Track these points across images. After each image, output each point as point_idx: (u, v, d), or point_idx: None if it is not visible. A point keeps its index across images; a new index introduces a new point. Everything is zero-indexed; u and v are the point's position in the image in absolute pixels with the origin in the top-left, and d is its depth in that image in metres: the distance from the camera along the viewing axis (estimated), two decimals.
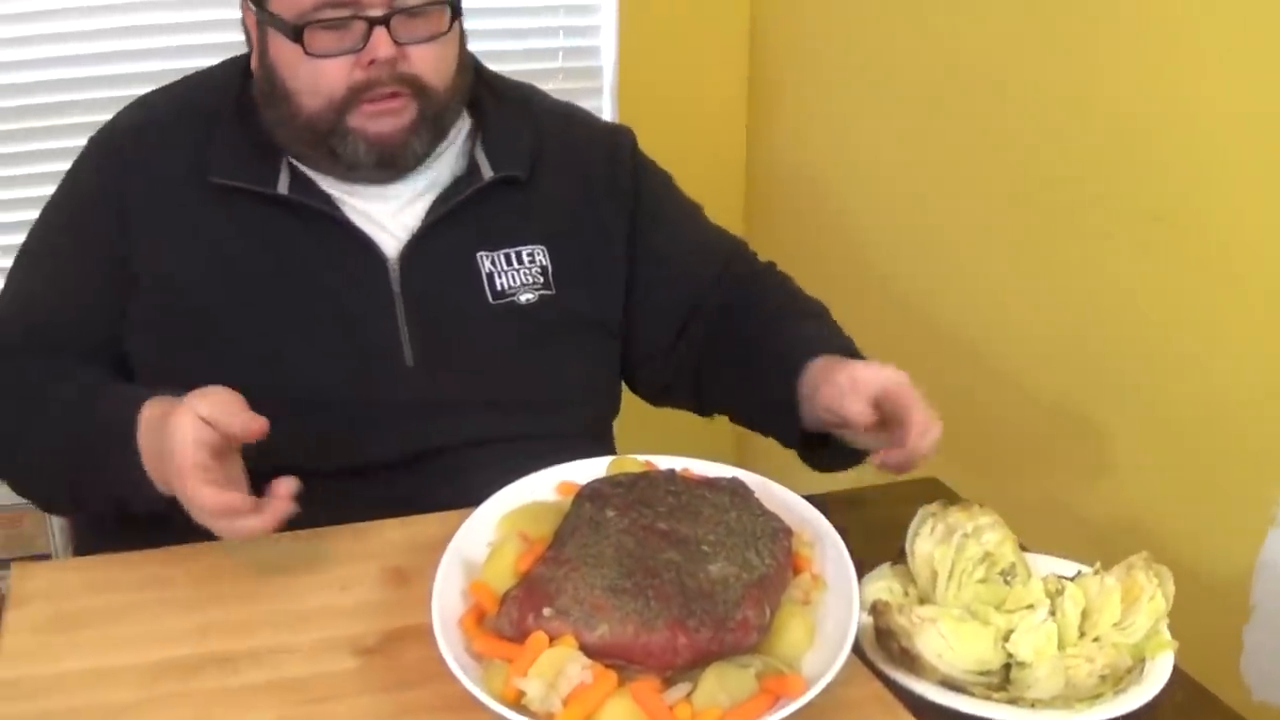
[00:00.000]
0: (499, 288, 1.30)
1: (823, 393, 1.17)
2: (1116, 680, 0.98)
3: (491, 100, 1.36)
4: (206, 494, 1.01)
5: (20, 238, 1.32)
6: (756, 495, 1.05)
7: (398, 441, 1.25)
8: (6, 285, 1.31)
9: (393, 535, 1.18)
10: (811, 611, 0.97)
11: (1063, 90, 1.57)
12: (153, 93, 1.36)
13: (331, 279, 1.26)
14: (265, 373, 1.22)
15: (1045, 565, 1.08)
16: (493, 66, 1.42)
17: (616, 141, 1.44)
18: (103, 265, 1.26)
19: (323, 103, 1.20)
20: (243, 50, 1.33)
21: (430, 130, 1.25)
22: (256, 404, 1.14)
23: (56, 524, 1.85)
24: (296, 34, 1.17)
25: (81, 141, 1.32)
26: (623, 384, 1.45)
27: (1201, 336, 1.40)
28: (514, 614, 0.91)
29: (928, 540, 1.04)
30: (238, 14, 1.29)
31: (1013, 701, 0.97)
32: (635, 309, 1.39)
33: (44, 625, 1.05)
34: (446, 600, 0.96)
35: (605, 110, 2.33)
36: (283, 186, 1.25)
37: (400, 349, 1.27)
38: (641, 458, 1.14)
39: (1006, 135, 1.69)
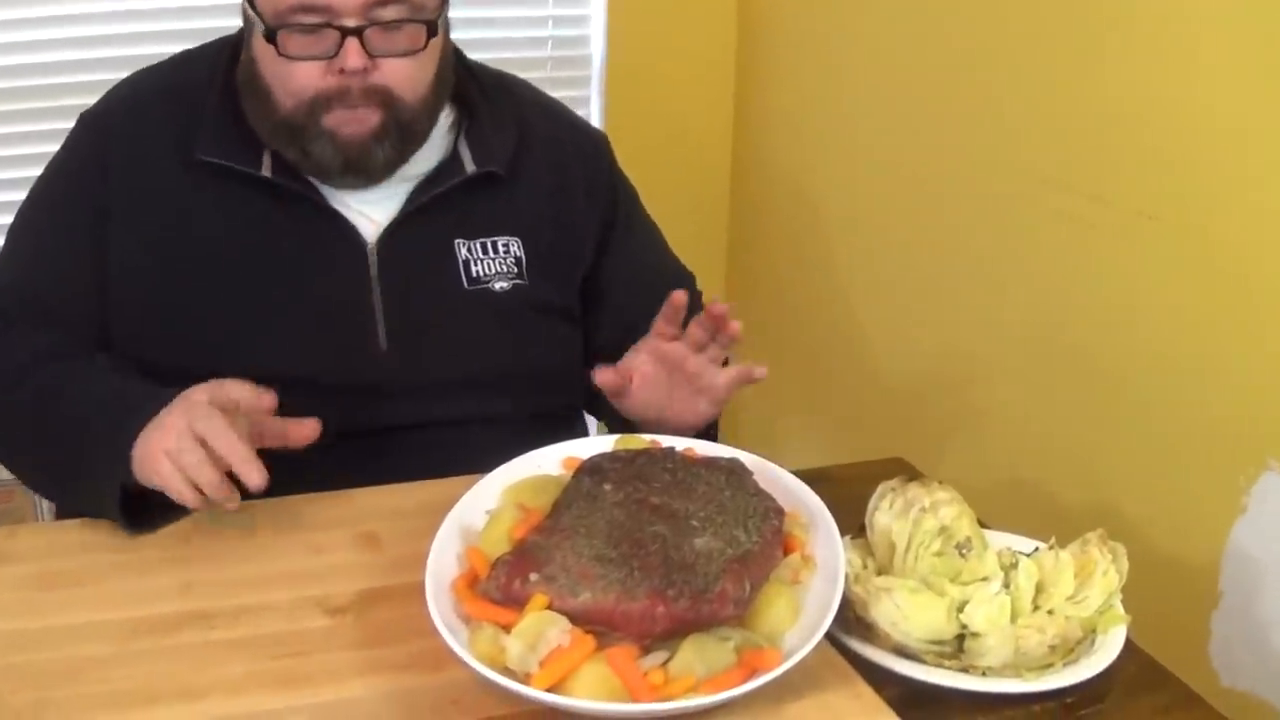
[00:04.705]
0: (474, 274, 1.32)
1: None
2: (1067, 651, 1.00)
3: (477, 92, 1.36)
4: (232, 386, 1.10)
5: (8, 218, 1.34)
6: (754, 477, 1.06)
7: (368, 421, 1.27)
8: (2, 257, 1.33)
9: (366, 502, 1.20)
10: (799, 591, 0.98)
11: (1051, 86, 1.59)
12: (140, 72, 1.36)
13: (309, 262, 1.27)
14: (238, 354, 1.24)
15: (1004, 542, 1.08)
16: (481, 54, 1.42)
17: (597, 146, 1.46)
18: (86, 240, 1.27)
19: (295, 103, 1.21)
20: (230, 32, 1.33)
21: (398, 139, 1.24)
22: None
23: (45, 501, 1.87)
24: (270, 35, 1.18)
25: (71, 123, 1.33)
26: None
27: (1175, 326, 1.42)
28: (501, 578, 0.93)
29: (886, 514, 1.05)
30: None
31: (964, 669, 0.98)
32: (600, 309, 1.43)
33: (28, 583, 1.07)
34: (441, 563, 0.98)
35: (593, 99, 2.34)
36: (266, 169, 1.25)
37: (375, 333, 1.28)
38: (647, 437, 1.15)
39: (992, 132, 1.71)
